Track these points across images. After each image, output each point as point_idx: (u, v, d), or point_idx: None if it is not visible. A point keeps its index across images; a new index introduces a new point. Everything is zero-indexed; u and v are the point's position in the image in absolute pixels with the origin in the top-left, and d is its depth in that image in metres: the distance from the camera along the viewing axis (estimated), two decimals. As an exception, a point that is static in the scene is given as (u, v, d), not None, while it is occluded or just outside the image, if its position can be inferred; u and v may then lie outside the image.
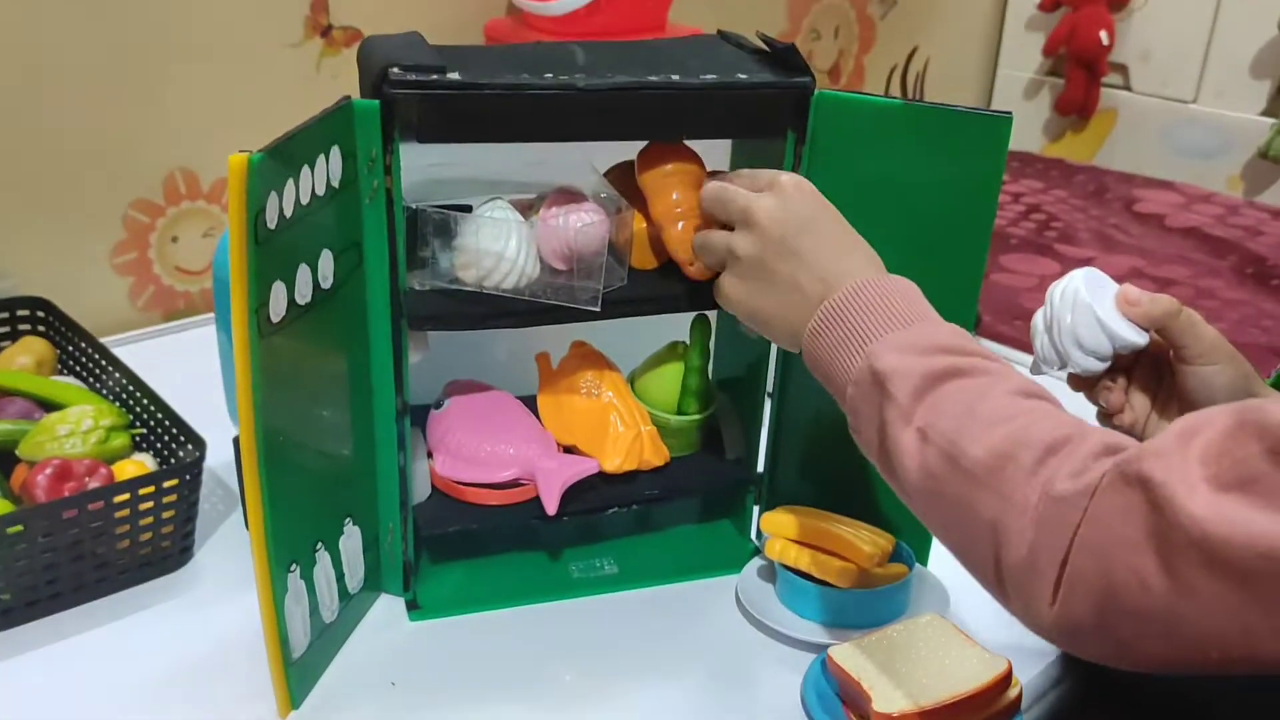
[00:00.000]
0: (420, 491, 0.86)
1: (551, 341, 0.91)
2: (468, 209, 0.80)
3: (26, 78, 1.16)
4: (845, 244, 0.73)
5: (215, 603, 0.85)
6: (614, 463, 0.86)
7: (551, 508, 0.83)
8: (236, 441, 0.87)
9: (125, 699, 0.76)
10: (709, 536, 0.97)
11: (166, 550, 0.87)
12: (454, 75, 0.72)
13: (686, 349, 0.90)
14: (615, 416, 0.87)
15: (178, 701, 0.76)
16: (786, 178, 0.74)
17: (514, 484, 0.86)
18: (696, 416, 0.91)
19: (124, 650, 0.81)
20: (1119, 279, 0.76)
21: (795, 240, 0.72)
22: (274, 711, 0.75)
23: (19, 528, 0.78)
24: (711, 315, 0.90)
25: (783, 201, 0.73)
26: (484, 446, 0.86)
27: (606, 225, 0.79)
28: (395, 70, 0.71)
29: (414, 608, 0.86)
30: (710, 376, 0.92)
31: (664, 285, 0.82)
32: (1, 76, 1.15)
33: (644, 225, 0.82)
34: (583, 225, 0.78)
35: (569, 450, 0.88)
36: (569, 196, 0.80)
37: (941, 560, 0.90)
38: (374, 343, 0.79)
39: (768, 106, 0.79)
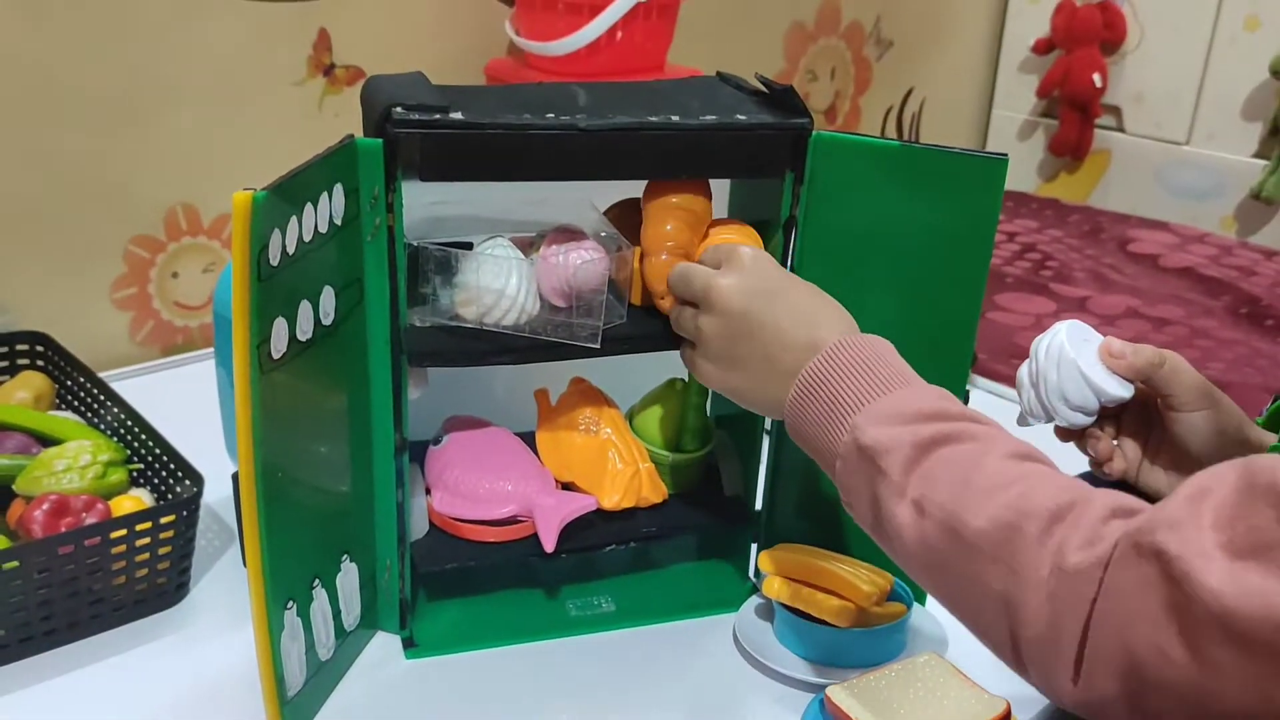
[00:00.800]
0: (418, 528, 0.86)
1: (550, 378, 0.91)
2: (468, 246, 0.81)
3: (29, 112, 1.17)
4: (812, 310, 0.72)
5: (211, 639, 0.85)
6: (612, 500, 0.86)
7: (550, 545, 0.83)
8: (235, 477, 0.87)
9: (119, 737, 0.76)
10: (707, 574, 0.96)
11: (162, 586, 0.87)
12: (457, 115, 0.72)
13: (685, 386, 0.91)
14: (614, 453, 0.87)
15: (172, 739, 0.76)
16: (744, 250, 0.74)
17: (512, 521, 0.86)
18: (695, 454, 0.91)
19: (119, 687, 0.80)
20: (1115, 318, 0.77)
21: (759, 314, 0.71)
22: (269, 749, 0.74)
23: (15, 563, 0.78)
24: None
25: (741, 277, 0.73)
26: (482, 483, 0.86)
27: (606, 263, 0.79)
28: (398, 109, 0.71)
29: (410, 646, 0.85)
30: (709, 413, 0.93)
31: (663, 322, 0.82)
32: (4, 110, 1.16)
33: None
34: (582, 263, 0.78)
35: (567, 487, 0.88)
36: (569, 234, 0.81)
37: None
38: (374, 379, 0.79)
39: (766, 147, 0.80)
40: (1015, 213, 2.04)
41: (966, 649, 0.86)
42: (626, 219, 0.86)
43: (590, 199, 0.87)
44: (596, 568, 0.94)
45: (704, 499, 0.93)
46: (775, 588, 0.85)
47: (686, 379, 0.90)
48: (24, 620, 0.80)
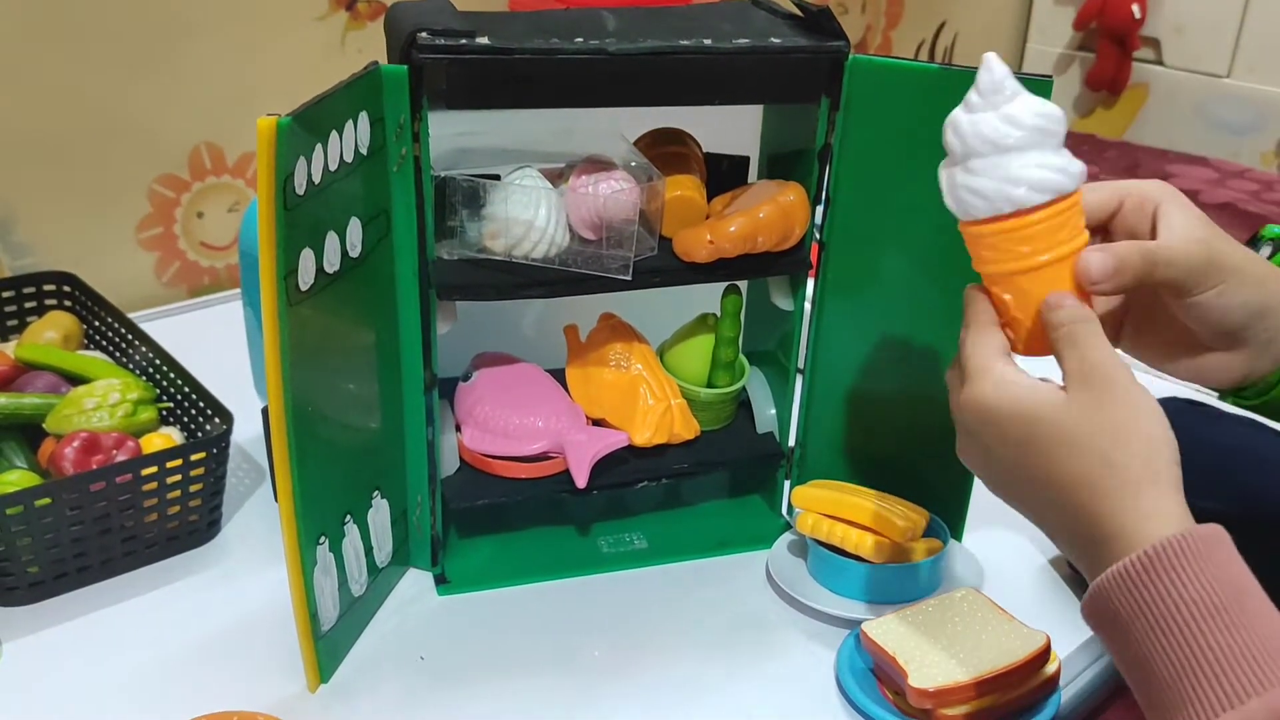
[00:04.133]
0: (448, 465, 0.85)
1: (580, 314, 0.90)
2: (496, 178, 0.79)
3: (50, 51, 1.16)
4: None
5: (243, 576, 0.85)
6: (644, 436, 0.85)
7: (581, 480, 0.82)
8: (265, 413, 0.87)
9: (153, 672, 0.76)
10: (739, 511, 0.95)
11: (194, 524, 0.87)
12: (483, 40, 0.70)
13: (717, 321, 0.89)
14: (645, 389, 0.86)
15: (205, 675, 0.76)
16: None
17: (543, 457, 0.85)
18: (727, 390, 0.90)
19: (152, 624, 0.80)
20: None
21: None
22: (302, 684, 0.75)
23: (47, 500, 0.78)
24: (743, 286, 0.89)
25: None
26: (513, 419, 0.85)
27: (637, 193, 0.78)
28: (424, 34, 0.69)
29: (442, 582, 0.85)
30: (741, 349, 0.91)
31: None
32: (26, 51, 1.14)
33: (675, 194, 0.81)
34: (612, 193, 0.77)
35: (598, 423, 0.87)
36: (598, 165, 0.79)
37: (976, 535, 0.89)
38: (402, 313, 0.78)
39: (801, 71, 0.78)
40: (1050, 149, 2.00)
41: (1004, 584, 0.85)
42: (656, 148, 0.84)
43: (619, 128, 0.85)
44: (628, 504, 0.94)
45: (736, 436, 0.92)
46: (809, 524, 0.84)
47: (719, 314, 0.89)
48: (58, 557, 0.80)
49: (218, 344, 1.02)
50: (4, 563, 0.78)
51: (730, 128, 0.89)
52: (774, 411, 0.92)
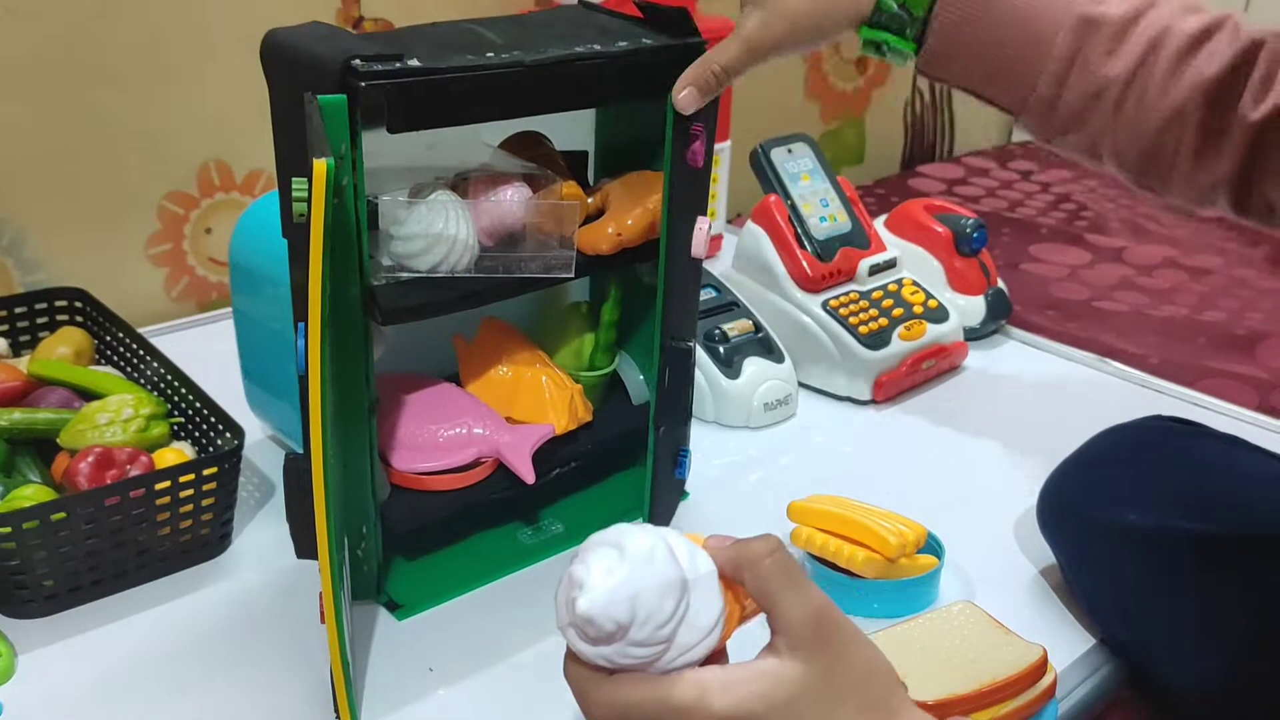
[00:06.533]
0: (382, 492, 0.84)
1: (457, 324, 0.92)
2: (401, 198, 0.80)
3: (62, 69, 1.18)
4: None
5: (255, 588, 0.86)
6: (561, 424, 0.89)
7: (530, 476, 0.84)
8: (287, 464, 0.83)
9: (167, 682, 0.77)
10: (636, 479, 0.98)
11: (206, 537, 0.88)
12: (414, 62, 0.70)
13: (591, 308, 0.94)
14: (546, 380, 0.90)
15: (218, 685, 0.77)
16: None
17: (475, 464, 0.86)
18: (607, 370, 0.95)
19: (165, 635, 0.82)
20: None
21: None
22: (311, 693, 0.75)
23: (62, 515, 0.79)
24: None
25: None
26: (441, 432, 0.86)
27: (539, 196, 0.80)
28: (358, 61, 0.68)
29: (395, 608, 0.84)
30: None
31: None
32: (37, 69, 1.16)
33: (574, 190, 0.85)
34: (522, 199, 0.79)
35: (509, 421, 0.89)
36: (496, 175, 0.80)
37: (970, 550, 0.90)
38: (348, 340, 0.76)
39: (665, 67, 0.79)
40: (1049, 162, 2.02)
41: (999, 598, 0.87)
42: (524, 151, 0.87)
43: (480, 137, 0.86)
44: (542, 495, 0.95)
45: (618, 410, 0.97)
46: (803, 538, 0.86)
47: (609, 297, 0.93)
48: (72, 570, 0.82)
49: (226, 359, 1.04)
50: (19, 576, 0.80)
51: (564, 125, 0.93)
52: (645, 382, 0.97)
